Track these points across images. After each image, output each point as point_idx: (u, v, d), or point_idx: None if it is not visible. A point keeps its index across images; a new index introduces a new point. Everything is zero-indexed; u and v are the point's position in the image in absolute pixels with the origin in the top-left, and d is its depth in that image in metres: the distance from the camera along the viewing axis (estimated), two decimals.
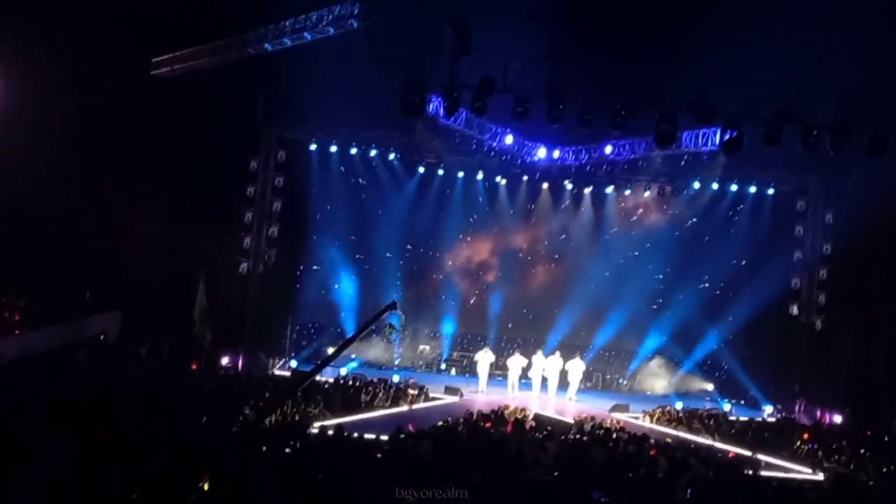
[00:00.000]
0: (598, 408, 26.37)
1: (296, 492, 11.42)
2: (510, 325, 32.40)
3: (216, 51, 24.27)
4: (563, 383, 28.31)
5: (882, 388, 26.19)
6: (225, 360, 26.96)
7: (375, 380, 25.47)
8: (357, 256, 31.14)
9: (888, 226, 25.61)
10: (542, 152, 29.44)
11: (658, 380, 31.63)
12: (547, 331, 31.64)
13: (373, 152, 30.50)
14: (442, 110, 23.45)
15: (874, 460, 20.20)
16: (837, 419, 26.85)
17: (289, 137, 29.63)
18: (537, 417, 22.76)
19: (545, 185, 32.06)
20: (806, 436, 22.73)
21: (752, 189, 30.59)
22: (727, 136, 21.43)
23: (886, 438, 23.26)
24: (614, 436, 19.74)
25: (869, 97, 20.78)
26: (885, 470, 19.49)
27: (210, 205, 26.16)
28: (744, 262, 30.70)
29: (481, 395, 27.21)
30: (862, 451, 21.10)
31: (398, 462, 14.04)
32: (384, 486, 12.53)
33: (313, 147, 30.19)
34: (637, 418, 25.67)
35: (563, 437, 19.04)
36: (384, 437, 17.26)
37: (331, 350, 29.53)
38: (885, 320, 26.60)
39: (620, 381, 32.03)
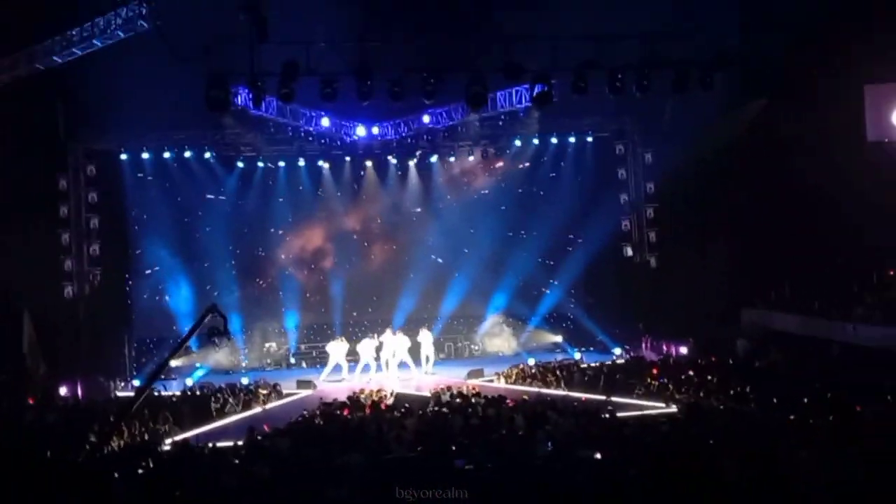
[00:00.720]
0: (454, 377, 26.44)
1: None
2: (355, 310, 32.07)
3: (2, 69, 22.85)
4: (417, 359, 28.21)
5: (720, 314, 27.24)
6: (63, 390, 25.64)
7: (224, 386, 24.75)
8: (186, 262, 30.02)
9: (703, 157, 26.57)
10: (361, 130, 29.13)
11: (508, 340, 31.92)
12: (393, 309, 31.44)
13: (187, 153, 29.51)
14: (250, 101, 22.84)
15: (721, 385, 20.89)
16: (684, 351, 27.72)
17: (97, 149, 28.37)
18: (395, 396, 22.61)
19: (369, 163, 31.81)
20: (655, 371, 23.35)
21: (572, 139, 31.12)
22: (537, 91, 21.62)
23: (731, 361, 24.17)
24: (472, 402, 19.80)
25: (668, 37, 21.30)
26: (732, 392, 20.17)
27: (21, 232, 24.72)
28: (575, 212, 31.13)
29: (344, 384, 26.70)
30: (709, 377, 21.82)
31: (258, 464, 13.67)
32: (246, 492, 12.21)
33: (124, 157, 29.04)
34: (492, 381, 25.87)
35: (421, 412, 18.95)
36: (241, 443, 16.76)
37: (173, 363, 28.90)
38: (713, 248, 27.59)
39: (472, 347, 32.24)
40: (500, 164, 32.23)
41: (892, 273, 25.46)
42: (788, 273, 26.41)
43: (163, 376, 27.96)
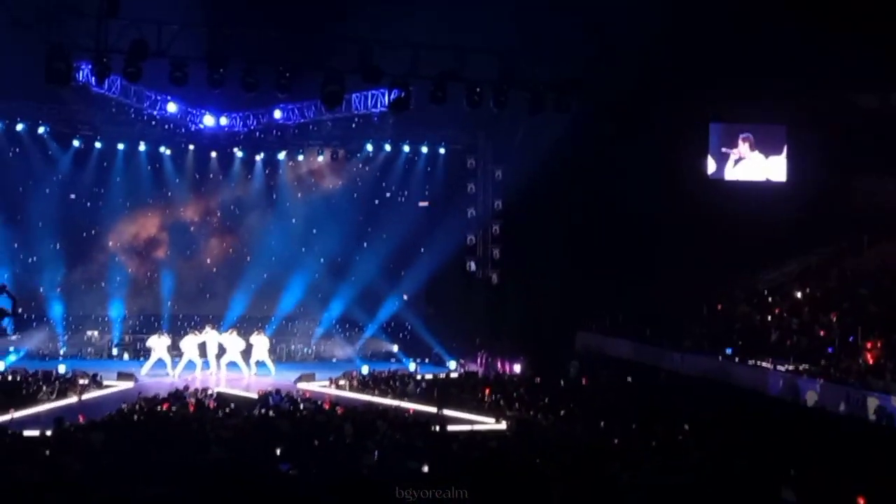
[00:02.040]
0: (284, 379, 25.91)
1: None
2: (185, 304, 31.01)
3: None
4: (247, 359, 27.47)
5: (554, 336, 27.63)
6: None
7: (39, 372, 23.51)
8: (10, 239, 28.46)
9: (552, 179, 26.94)
10: (208, 120, 28.36)
11: (343, 346, 31.52)
12: (225, 306, 30.63)
13: (19, 126, 27.98)
14: (93, 78, 21.78)
15: (551, 405, 21.13)
16: (517, 369, 27.95)
17: None
18: (220, 396, 21.95)
19: (214, 154, 30.91)
20: (487, 389, 23.43)
21: (424, 149, 31.11)
22: (394, 96, 21.45)
23: (562, 383, 24.50)
24: (301, 406, 19.42)
25: (527, 57, 21.49)
26: (561, 412, 20.43)
27: None
28: (421, 222, 31.06)
29: (167, 379, 25.72)
30: (540, 396, 22.05)
31: (67, 457, 12.93)
32: (52, 486, 11.47)
33: None
34: (324, 386, 25.44)
35: (247, 414, 18.43)
36: (48, 433, 15.84)
37: None
38: (552, 270, 27.98)
39: (305, 350, 31.61)
40: (349, 166, 31.78)
41: (719, 307, 26.40)
42: (623, 300, 27.07)
43: None
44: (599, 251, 27.07)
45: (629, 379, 23.88)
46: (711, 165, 27.77)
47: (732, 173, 27.88)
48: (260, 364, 27.44)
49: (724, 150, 27.80)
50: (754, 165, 27.79)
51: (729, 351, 22.96)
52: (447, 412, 20.93)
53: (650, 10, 22.09)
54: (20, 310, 15.35)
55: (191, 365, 26.82)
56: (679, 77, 24.73)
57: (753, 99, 25.77)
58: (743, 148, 27.81)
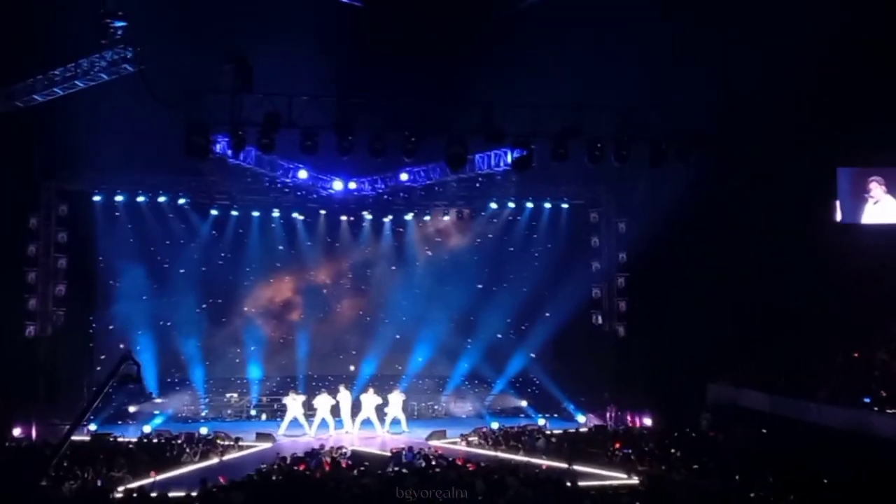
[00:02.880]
0: (416, 437, 26.23)
1: None
2: (319, 365, 31.72)
3: None
4: (380, 418, 27.96)
5: (684, 388, 27.27)
6: (17, 431, 25.17)
7: (182, 434, 24.42)
8: (153, 308, 29.60)
9: (676, 231, 26.80)
10: (338, 185, 29.17)
11: (472, 402, 31.72)
12: (358, 365, 31.30)
13: (161, 198, 29.35)
14: (229, 150, 22.84)
15: (684, 458, 20.85)
16: (647, 422, 27.64)
17: (70, 190, 28.03)
18: (354, 454, 22.39)
19: (344, 218, 31.83)
20: (618, 444, 23.27)
21: (547, 205, 31.34)
22: (516, 155, 21.84)
23: (694, 435, 24.14)
24: (433, 463, 19.63)
25: (647, 109, 21.61)
26: (694, 466, 20.14)
27: None
28: (546, 277, 31.19)
29: (303, 439, 26.40)
30: (672, 450, 21.77)
31: None
32: None
33: (97, 198, 28.80)
34: (455, 443, 25.67)
35: (380, 472, 18.75)
36: (194, 494, 16.48)
37: (132, 409, 28.55)
38: (680, 321, 27.71)
39: (436, 407, 31.90)
40: (474, 225, 32.23)
41: (856, 355, 25.62)
42: (755, 350, 26.57)
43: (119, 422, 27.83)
44: (728, 301, 26.74)
45: (764, 431, 23.36)
46: (843, 211, 27.10)
47: (865, 217, 27.14)
48: (394, 422, 27.85)
49: (854, 194, 27.12)
50: (887, 208, 27.00)
51: (867, 400, 22.25)
52: (578, 467, 20.90)
53: (771, 58, 21.97)
54: (143, 377, 16.14)
55: (324, 424, 27.39)
56: (804, 124, 24.39)
57: (883, 142, 25.13)
58: (874, 191, 27.09)
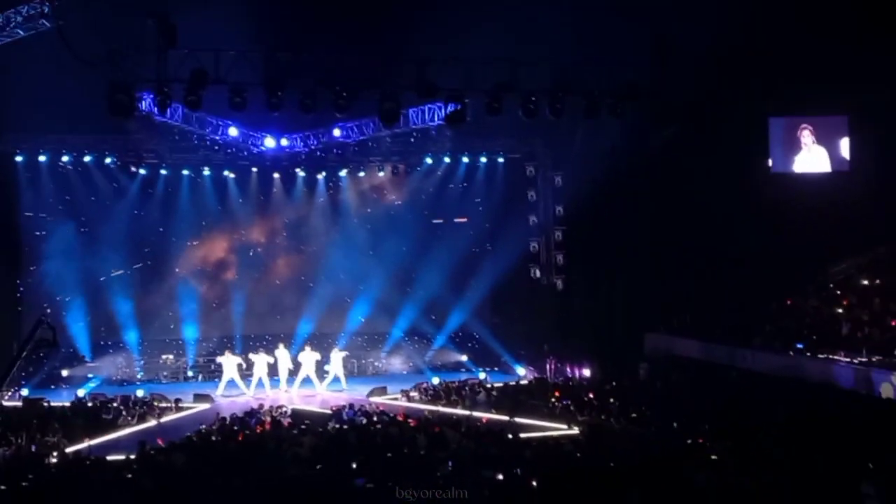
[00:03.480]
0: (357, 394, 26.20)
1: None
2: (256, 324, 31.45)
3: None
4: (320, 376, 27.88)
5: (622, 339, 27.57)
6: None
7: (118, 397, 24.08)
8: (81, 269, 29.00)
9: (612, 183, 26.91)
10: (269, 142, 28.74)
11: (412, 358, 31.75)
12: (295, 324, 31.12)
13: (87, 158, 28.67)
14: (155, 108, 22.28)
15: (623, 408, 21.10)
16: (587, 373, 27.90)
17: None
18: (294, 413, 22.30)
19: (276, 175, 31.37)
20: (558, 393, 23.47)
21: (483, 159, 31.26)
22: (450, 110, 21.67)
23: (632, 385, 24.43)
24: (374, 420, 19.63)
25: (581, 64, 21.55)
26: (633, 415, 20.40)
27: None
28: (484, 231, 31.27)
29: (242, 399, 26.25)
30: (611, 400, 22.02)
31: (150, 479, 13.28)
32: None
33: (19, 159, 28.08)
34: (396, 399, 25.70)
35: (321, 430, 18.68)
36: (132, 457, 16.27)
37: (65, 372, 28.06)
38: (618, 273, 27.99)
39: (376, 364, 31.89)
40: (410, 180, 32.06)
41: (789, 302, 26.08)
42: (691, 300, 26.91)
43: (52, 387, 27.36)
44: (664, 252, 26.98)
45: (700, 379, 23.72)
46: (774, 160, 27.44)
47: (796, 166, 27.52)
48: (334, 380, 27.87)
49: (785, 143, 27.46)
50: (817, 157, 27.40)
51: (800, 346, 22.69)
52: (519, 419, 21.05)
53: (703, 11, 21.98)
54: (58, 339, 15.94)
55: (260, 384, 27.29)
56: (736, 75, 24.54)
57: (813, 92, 25.41)
58: (805, 140, 27.45)
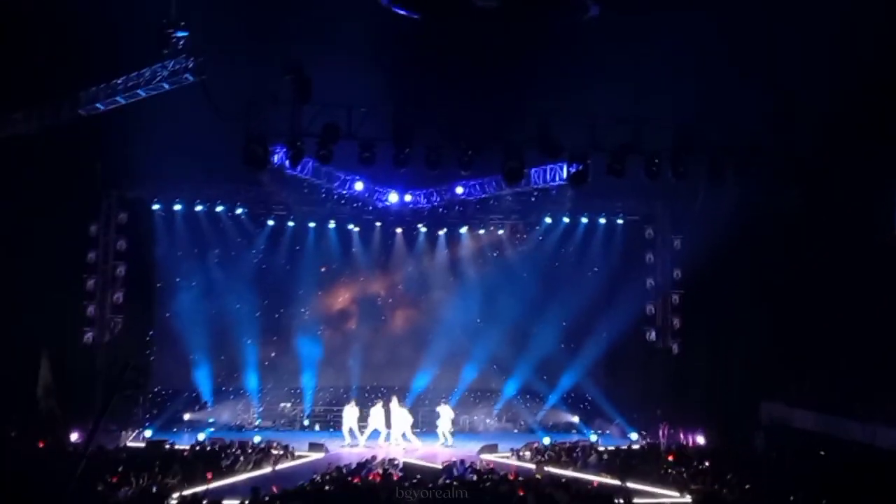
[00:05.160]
0: (468, 451, 26.17)
1: None
2: (373, 375, 31.79)
3: (45, 113, 23.12)
4: (432, 430, 27.98)
5: (738, 406, 26.89)
6: (75, 436, 25.50)
7: (235, 442, 24.63)
8: (209, 315, 29.86)
9: (732, 248, 26.43)
10: (393, 197, 29.31)
11: (524, 417, 31.57)
12: (411, 377, 31.37)
13: (219, 208, 29.78)
14: (287, 161, 22.98)
15: (737, 478, 20.53)
16: (700, 440, 27.31)
17: (130, 198, 28.54)
18: (406, 466, 22.40)
19: (399, 230, 31.92)
20: (671, 459, 23.03)
21: (602, 220, 31.17)
22: (573, 170, 21.75)
23: (747, 455, 23.76)
24: (484, 477, 19.55)
25: (704, 124, 21.42)
26: (747, 486, 19.83)
27: (48, 274, 24.95)
28: (600, 292, 31.01)
29: (352, 450, 26.59)
30: (724, 469, 21.45)
31: None
32: None
33: (156, 207, 29.31)
34: (507, 457, 25.59)
35: (431, 485, 18.70)
36: (247, 502, 16.60)
37: (187, 416, 28.86)
38: (736, 341, 27.37)
39: (487, 421, 31.81)
40: (529, 239, 32.20)
41: None
42: (811, 369, 26.09)
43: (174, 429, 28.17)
44: (784, 319, 26.28)
45: (822, 453, 22.92)
46: None
47: None
48: (442, 434, 28.05)
49: None
50: None
51: None
52: (630, 485, 20.68)
53: (830, 69, 21.59)
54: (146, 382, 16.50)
55: (375, 434, 27.58)
56: (864, 136, 23.94)
57: None
58: None
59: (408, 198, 29.60)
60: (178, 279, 29.90)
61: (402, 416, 27.89)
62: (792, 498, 17.76)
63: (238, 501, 17.10)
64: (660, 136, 21.33)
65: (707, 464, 22.38)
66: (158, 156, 24.89)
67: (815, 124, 22.51)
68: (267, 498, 16.75)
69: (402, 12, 20.44)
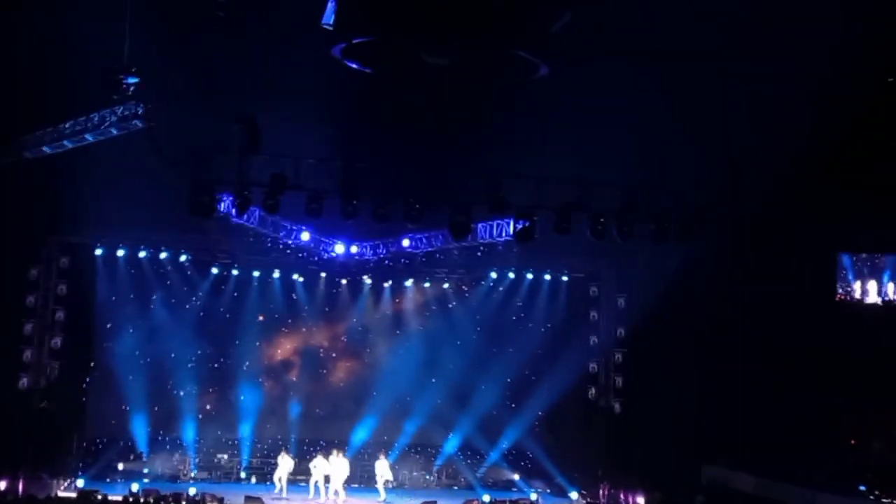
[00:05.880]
0: None
1: None
2: (312, 427, 31.48)
3: None
4: (370, 484, 27.65)
5: (678, 467, 26.98)
6: (2, 485, 24.77)
7: (170, 495, 24.13)
8: (148, 363, 29.51)
9: (676, 308, 26.73)
10: (339, 248, 29.13)
11: (464, 473, 31.35)
12: (351, 430, 31.08)
13: (163, 255, 29.40)
14: (234, 209, 22.87)
15: None
16: (640, 502, 27.30)
17: (72, 242, 28.06)
18: None
19: (344, 281, 31.80)
20: None
21: (547, 276, 31.32)
22: (520, 226, 21.91)
23: None
24: None
25: (651, 186, 21.77)
26: None
27: None
28: (544, 349, 31.11)
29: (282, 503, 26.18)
30: None
31: None
32: None
33: (99, 252, 28.85)
34: None
35: None
36: None
37: (121, 466, 28.25)
38: (677, 399, 27.52)
39: (427, 477, 31.53)
40: (474, 294, 32.25)
41: (853, 442, 25.42)
42: (751, 433, 26.33)
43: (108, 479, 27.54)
44: (725, 382, 26.55)
45: None
46: (843, 292, 27.13)
47: (866, 299, 27.14)
48: (381, 490, 27.78)
49: (853, 281, 27.18)
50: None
51: (863, 488, 21.98)
52: None
53: (780, 137, 22.07)
54: None
55: (315, 489, 27.26)
56: (811, 207, 24.49)
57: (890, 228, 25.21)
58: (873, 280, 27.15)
59: (354, 249, 29.39)
60: (117, 326, 29.52)
61: (340, 468, 27.52)
62: None
63: None
64: (607, 198, 21.60)
65: None
66: (104, 201, 24.52)
67: (761, 189, 22.98)
68: None
69: (354, 66, 20.50)
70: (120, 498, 23.94)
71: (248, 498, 25.83)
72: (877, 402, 25.52)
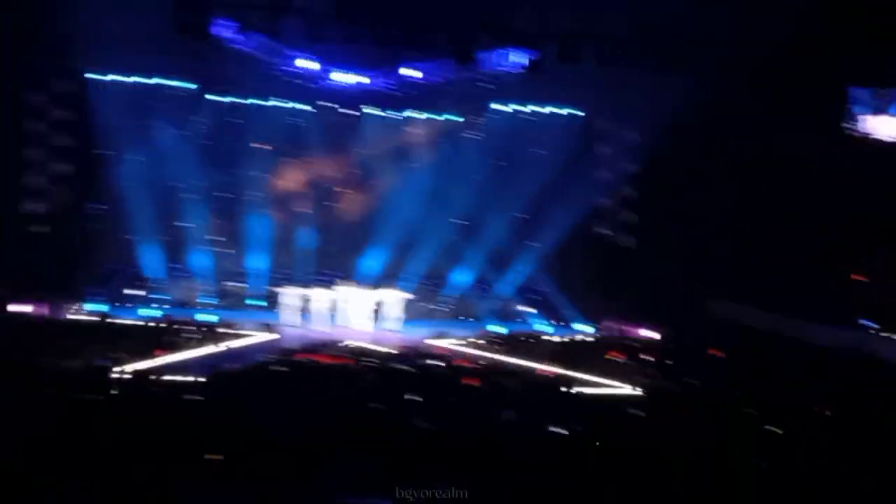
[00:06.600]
0: (418, 338, 26.27)
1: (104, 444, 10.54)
2: (321, 258, 31.52)
3: None
4: (381, 315, 28.15)
5: (688, 302, 27.16)
6: (12, 308, 24.88)
7: (181, 320, 24.42)
8: (151, 195, 29.27)
9: (689, 142, 26.36)
10: (345, 77, 28.55)
11: (476, 306, 31.66)
12: (360, 263, 31.18)
13: (163, 81, 28.92)
14: (231, 34, 22.22)
15: (685, 372, 20.78)
16: (652, 334, 27.67)
17: (68, 68, 27.50)
18: (355, 350, 22.39)
19: (351, 111, 31.23)
20: (620, 354, 23.25)
21: (557, 110, 30.70)
22: (529, 58, 21.46)
23: (698, 349, 24.06)
24: (434, 363, 19.65)
25: (661, 14, 21.15)
26: (698, 381, 20.08)
27: None
28: (553, 186, 30.87)
29: (298, 331, 26.57)
30: (675, 362, 21.74)
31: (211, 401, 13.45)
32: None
33: (92, 76, 28.30)
34: (457, 345, 25.69)
35: (381, 368, 18.75)
36: (201, 379, 16.43)
37: (126, 291, 28.36)
38: (689, 236, 27.47)
39: (439, 309, 31.80)
40: (481, 126, 31.81)
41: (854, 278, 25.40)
42: (762, 268, 26.35)
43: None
44: (736, 215, 26.43)
45: (765, 350, 23.28)
46: (855, 125, 26.58)
47: (879, 131, 26.57)
48: (394, 320, 28.03)
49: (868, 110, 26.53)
50: None
51: (866, 322, 22.12)
52: (580, 375, 20.90)
53: None
54: None
55: (325, 319, 27.54)
56: (824, 39, 23.77)
57: None
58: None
59: (360, 79, 28.86)
60: (122, 154, 29.15)
61: (350, 299, 27.83)
62: (737, 393, 18.02)
63: (190, 378, 16.88)
64: (615, 26, 21.03)
65: (656, 358, 22.66)
66: (97, 26, 23.91)
67: (775, 20, 22.30)
68: (219, 375, 16.65)
69: None
70: (131, 322, 24.22)
71: (262, 325, 26.21)
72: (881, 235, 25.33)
